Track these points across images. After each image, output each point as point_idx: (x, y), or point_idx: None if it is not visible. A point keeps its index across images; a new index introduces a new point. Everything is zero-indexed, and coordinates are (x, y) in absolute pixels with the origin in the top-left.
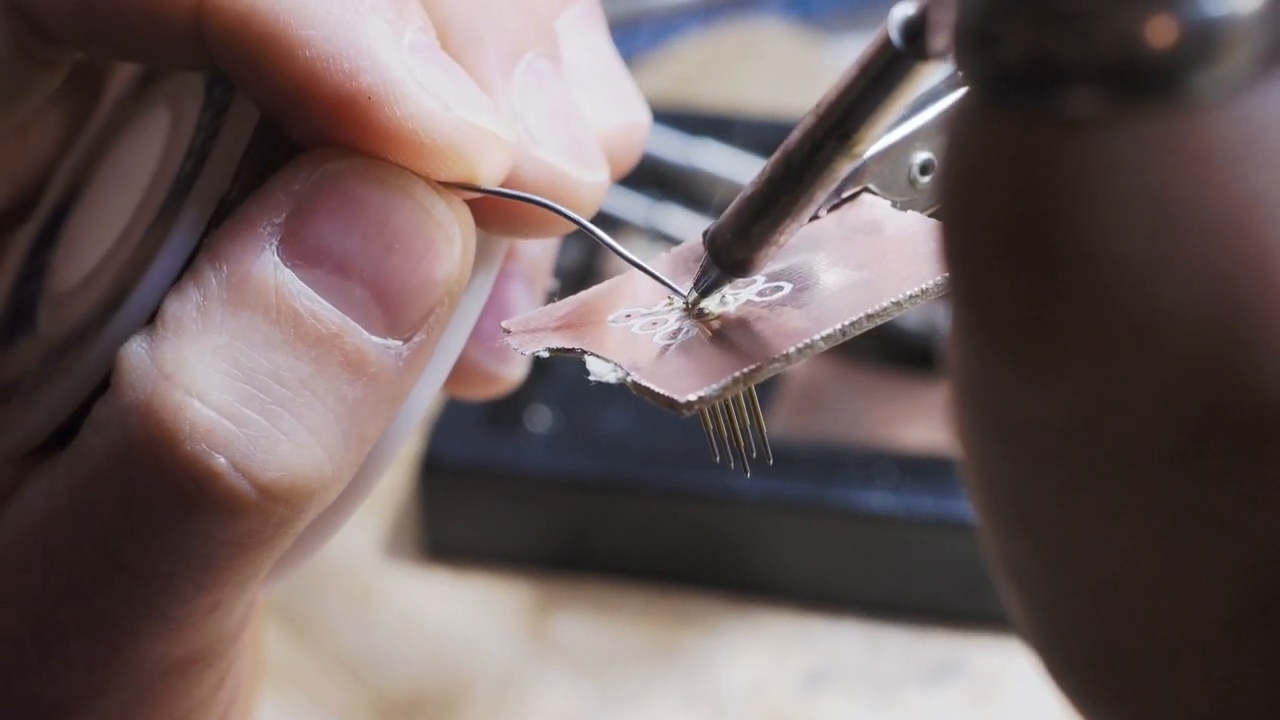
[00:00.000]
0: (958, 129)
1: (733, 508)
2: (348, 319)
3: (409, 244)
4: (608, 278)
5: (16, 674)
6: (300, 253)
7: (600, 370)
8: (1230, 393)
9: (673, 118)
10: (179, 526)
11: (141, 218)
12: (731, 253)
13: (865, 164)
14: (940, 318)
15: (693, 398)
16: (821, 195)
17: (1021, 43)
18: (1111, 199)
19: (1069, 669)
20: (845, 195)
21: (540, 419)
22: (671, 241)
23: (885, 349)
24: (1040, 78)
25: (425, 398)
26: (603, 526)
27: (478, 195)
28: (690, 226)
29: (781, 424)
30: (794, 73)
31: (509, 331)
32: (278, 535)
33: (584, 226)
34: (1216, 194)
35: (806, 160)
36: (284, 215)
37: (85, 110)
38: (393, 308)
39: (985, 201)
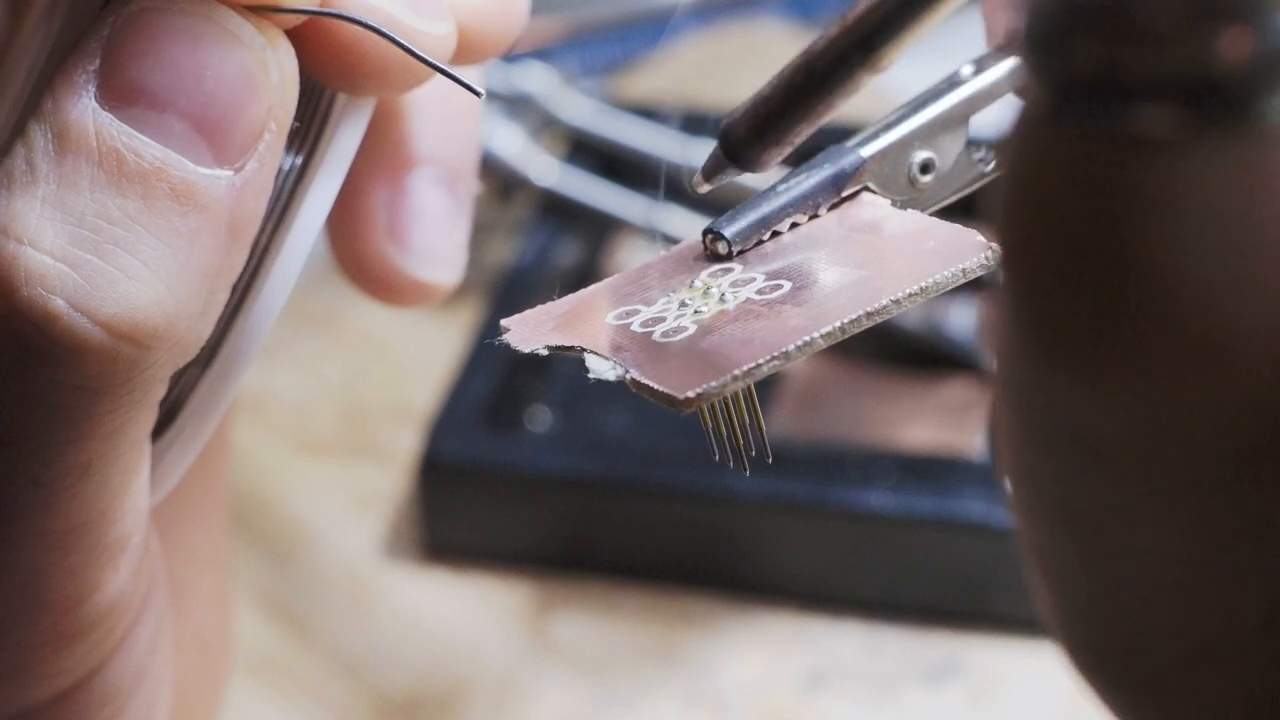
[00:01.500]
0: (1024, 136)
1: (733, 508)
2: (170, 152)
3: (220, 70)
4: (608, 277)
5: None
6: (115, 94)
7: (599, 368)
8: None
9: (673, 118)
10: (29, 376)
11: None
12: (743, 147)
13: (865, 163)
14: (946, 317)
15: (692, 394)
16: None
17: (1095, 57)
18: (1185, 219)
19: (1099, 661)
20: (845, 194)
21: (540, 419)
22: (672, 241)
23: (885, 349)
24: (1112, 93)
25: (296, 257)
26: (603, 526)
27: (295, 19)
28: (690, 226)
29: (781, 424)
30: None
31: (508, 329)
32: (132, 379)
33: (408, 49)
34: None
35: (829, 70)
36: (97, 61)
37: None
38: (215, 136)
39: (1054, 213)
